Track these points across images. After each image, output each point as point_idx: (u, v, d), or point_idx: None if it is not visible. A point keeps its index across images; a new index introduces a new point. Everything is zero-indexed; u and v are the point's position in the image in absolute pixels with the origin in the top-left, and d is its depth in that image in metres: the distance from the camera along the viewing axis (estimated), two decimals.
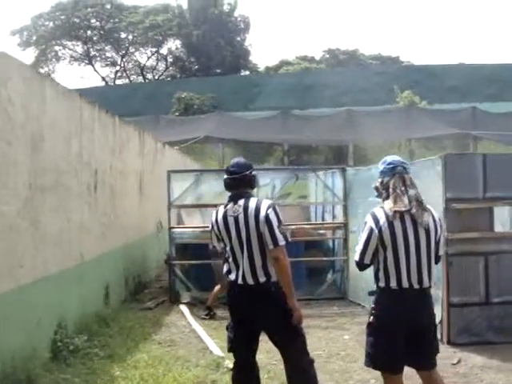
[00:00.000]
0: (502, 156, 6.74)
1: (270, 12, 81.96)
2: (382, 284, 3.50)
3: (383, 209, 3.51)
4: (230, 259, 3.72)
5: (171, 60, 43.45)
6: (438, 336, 5.39)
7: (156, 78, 44.24)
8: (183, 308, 7.96)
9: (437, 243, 3.55)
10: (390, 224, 3.44)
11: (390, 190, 3.48)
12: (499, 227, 6.71)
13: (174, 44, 42.73)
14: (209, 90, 31.73)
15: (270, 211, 3.60)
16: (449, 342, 6.15)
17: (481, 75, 31.61)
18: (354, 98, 31.58)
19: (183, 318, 7.57)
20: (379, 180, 3.61)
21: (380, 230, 3.45)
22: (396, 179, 3.49)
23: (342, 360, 5.82)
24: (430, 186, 6.53)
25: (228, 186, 3.80)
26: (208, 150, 26.64)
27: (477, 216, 6.29)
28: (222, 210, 3.78)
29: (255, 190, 4.15)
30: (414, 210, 3.43)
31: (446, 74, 32.33)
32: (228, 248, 3.73)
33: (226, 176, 3.80)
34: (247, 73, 40.68)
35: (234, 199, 3.73)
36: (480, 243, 6.27)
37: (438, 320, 6.11)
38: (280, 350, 3.77)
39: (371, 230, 3.48)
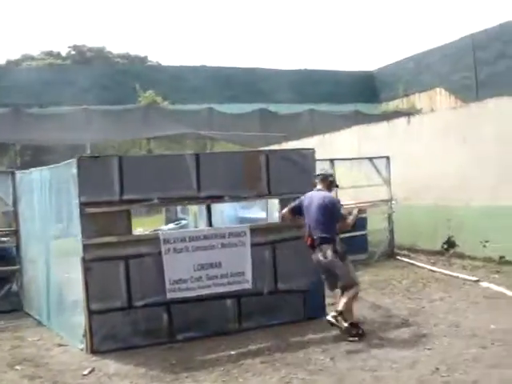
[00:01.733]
0: (138, 158, 6.68)
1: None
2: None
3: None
4: None
5: None
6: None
7: None
8: None
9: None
10: None
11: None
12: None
13: None
14: None
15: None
16: (92, 351, 5.95)
17: (220, 77, 33.16)
18: (97, 96, 30.78)
19: None
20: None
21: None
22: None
23: None
24: (70, 191, 6.26)
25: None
26: None
27: (114, 219, 6.17)
28: None
29: None
30: None
31: (189, 75, 33.15)
32: None
33: None
34: None
35: None
36: (119, 247, 6.16)
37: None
38: None
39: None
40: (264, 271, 6.74)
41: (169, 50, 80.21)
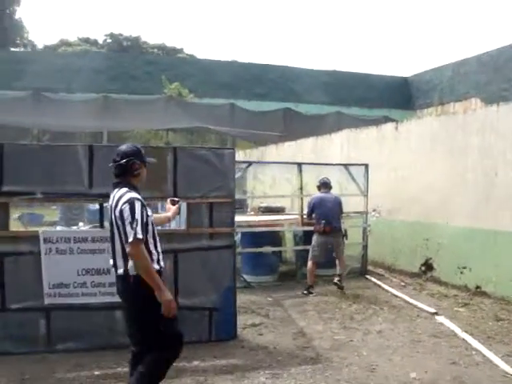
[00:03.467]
0: (23, 146, 5.93)
1: None
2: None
3: None
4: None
5: None
6: None
7: None
8: None
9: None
10: None
11: None
12: None
13: None
14: None
15: (125, 207, 3.59)
16: None
17: (251, 74, 32.44)
18: (125, 85, 30.69)
19: None
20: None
21: None
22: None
23: None
24: None
25: (113, 173, 3.91)
26: None
27: None
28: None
29: None
30: None
31: (220, 70, 32.58)
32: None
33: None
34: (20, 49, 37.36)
35: (113, 187, 3.86)
36: None
37: None
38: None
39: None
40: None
41: (204, 44, 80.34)
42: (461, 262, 8.59)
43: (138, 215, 3.57)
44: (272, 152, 15.73)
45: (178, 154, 5.91)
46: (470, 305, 7.66)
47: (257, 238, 8.96)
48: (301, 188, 9.28)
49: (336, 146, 11.89)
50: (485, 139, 8.16)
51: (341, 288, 8.24)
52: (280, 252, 10.35)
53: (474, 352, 5.70)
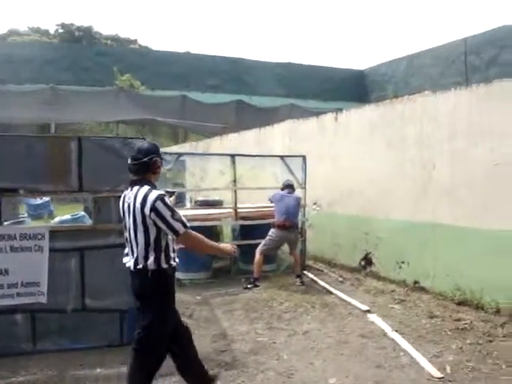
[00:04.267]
0: None
1: None
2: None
3: None
4: (126, 244, 3.85)
5: None
6: None
7: None
8: None
9: None
10: None
11: None
12: None
13: None
14: None
15: (158, 204, 3.58)
16: None
17: (204, 66, 31.91)
18: (75, 76, 29.86)
19: None
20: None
21: None
22: None
23: None
24: None
25: (129, 170, 3.85)
26: None
27: None
28: (123, 193, 3.88)
29: None
30: None
31: (173, 61, 31.96)
32: (125, 233, 3.84)
33: (129, 161, 3.83)
34: None
35: (131, 185, 3.80)
36: None
37: None
38: None
39: None
40: (68, 284, 5.40)
41: (159, 35, 79.09)
42: (399, 257, 8.31)
43: (173, 208, 3.64)
44: (217, 144, 15.27)
45: (84, 145, 5.41)
46: (405, 301, 7.38)
47: None
48: (234, 180, 8.84)
49: (278, 138, 11.51)
50: (423, 129, 7.88)
51: (303, 284, 8.34)
52: None
53: (401, 353, 5.40)
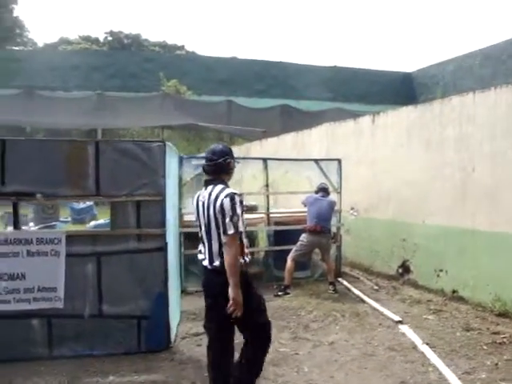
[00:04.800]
0: None
1: None
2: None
3: None
4: (201, 242, 3.97)
5: None
6: None
7: None
8: None
9: None
10: None
11: None
12: None
13: None
14: None
15: (226, 200, 3.69)
16: None
17: (251, 71, 31.87)
18: (122, 82, 30.40)
19: None
20: None
21: None
22: None
23: None
24: None
25: (204, 171, 4.01)
26: None
27: None
28: (197, 193, 4.00)
29: None
30: None
31: (220, 67, 32.08)
32: (199, 231, 3.97)
33: (204, 162, 3.97)
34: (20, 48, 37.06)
35: (206, 185, 3.94)
36: None
37: None
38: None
39: None
40: (85, 289, 5.33)
41: (206, 41, 79.63)
42: (437, 264, 7.92)
43: (238, 210, 3.70)
44: (257, 148, 15.12)
45: (101, 148, 5.33)
46: (442, 312, 7.00)
47: None
48: (267, 185, 8.64)
49: (316, 141, 11.25)
50: (462, 130, 7.48)
51: (335, 292, 8.10)
52: (253, 253, 9.74)
53: (430, 369, 5.06)
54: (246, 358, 4.03)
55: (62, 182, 5.24)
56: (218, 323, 3.88)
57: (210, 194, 3.83)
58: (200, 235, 3.98)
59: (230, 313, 3.70)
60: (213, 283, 3.87)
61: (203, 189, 3.95)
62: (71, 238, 5.27)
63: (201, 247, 4.01)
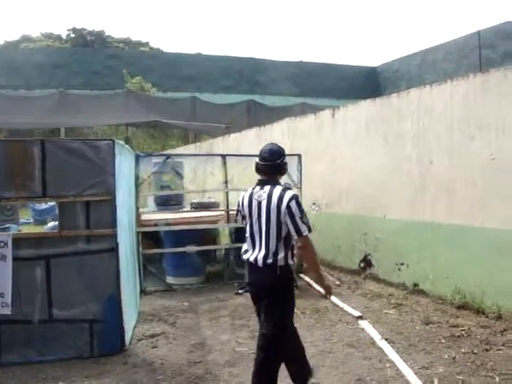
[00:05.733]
0: None
1: None
2: None
3: None
4: (248, 240, 3.97)
5: None
6: None
7: None
8: None
9: None
10: None
11: None
12: None
13: None
14: None
15: (292, 203, 3.74)
16: None
17: (216, 66, 31.66)
18: (86, 80, 29.91)
19: None
20: None
21: None
22: None
23: None
24: None
25: (258, 170, 4.00)
26: None
27: None
28: (249, 191, 4.00)
29: None
30: None
31: (184, 63, 31.79)
32: (248, 229, 3.96)
33: (258, 161, 3.97)
34: None
35: (261, 184, 3.94)
36: None
37: None
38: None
39: None
40: (34, 294, 5.14)
41: (170, 37, 79.03)
42: (398, 258, 7.93)
43: (304, 211, 3.79)
44: (219, 144, 14.98)
45: (47, 148, 5.14)
46: (402, 306, 7.00)
47: (180, 236, 8.21)
48: (226, 182, 8.52)
49: (277, 136, 11.17)
50: (420, 124, 7.49)
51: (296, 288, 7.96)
52: (214, 251, 9.65)
53: (387, 364, 5.02)
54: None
55: (5, 184, 5.04)
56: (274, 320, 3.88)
57: (270, 196, 3.83)
58: (249, 233, 3.97)
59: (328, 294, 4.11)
60: (267, 279, 3.88)
61: (257, 188, 3.93)
62: (18, 240, 5.07)
63: (247, 246, 4.01)
